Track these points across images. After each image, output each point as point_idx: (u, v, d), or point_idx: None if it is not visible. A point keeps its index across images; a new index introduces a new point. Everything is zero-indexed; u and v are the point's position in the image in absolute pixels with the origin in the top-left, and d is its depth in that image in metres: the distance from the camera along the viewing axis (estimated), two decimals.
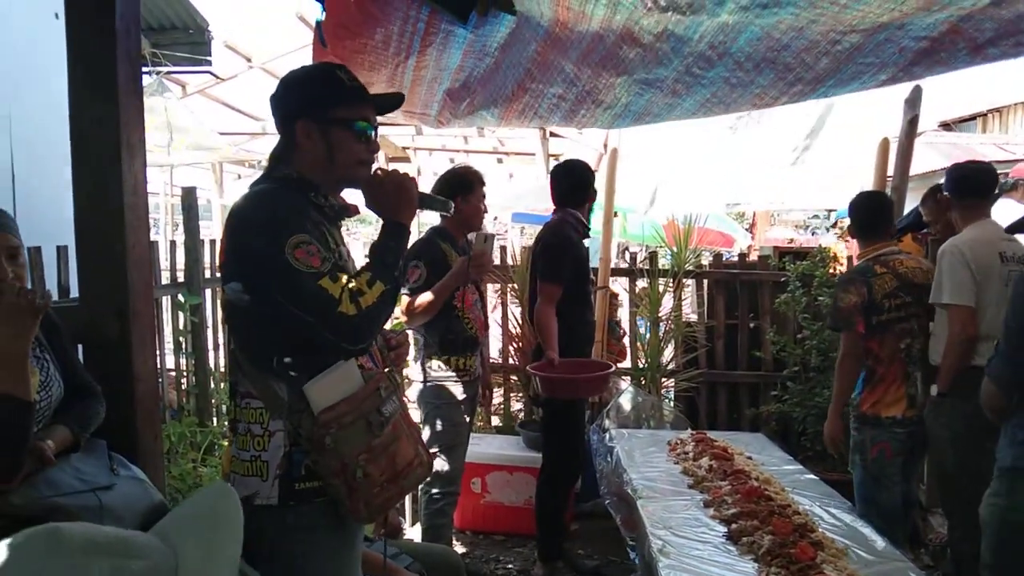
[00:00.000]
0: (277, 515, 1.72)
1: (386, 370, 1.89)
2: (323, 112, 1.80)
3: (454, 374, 3.43)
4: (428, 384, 3.44)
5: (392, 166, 5.18)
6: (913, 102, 4.50)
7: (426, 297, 3.27)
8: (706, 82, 2.91)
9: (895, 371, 3.20)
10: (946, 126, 12.74)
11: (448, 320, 3.37)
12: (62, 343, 2.04)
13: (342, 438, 1.67)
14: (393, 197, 1.84)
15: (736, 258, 6.00)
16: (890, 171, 4.73)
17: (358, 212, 1.95)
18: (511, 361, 5.45)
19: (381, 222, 1.86)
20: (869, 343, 3.23)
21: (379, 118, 1.93)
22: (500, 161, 13.38)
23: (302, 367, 1.72)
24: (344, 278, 1.69)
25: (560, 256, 3.65)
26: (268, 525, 1.72)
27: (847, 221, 3.81)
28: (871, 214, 3.39)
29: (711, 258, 5.81)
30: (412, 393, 3.54)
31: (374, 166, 1.90)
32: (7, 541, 0.85)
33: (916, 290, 3.21)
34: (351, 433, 1.68)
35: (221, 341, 4.54)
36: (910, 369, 3.22)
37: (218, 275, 4.52)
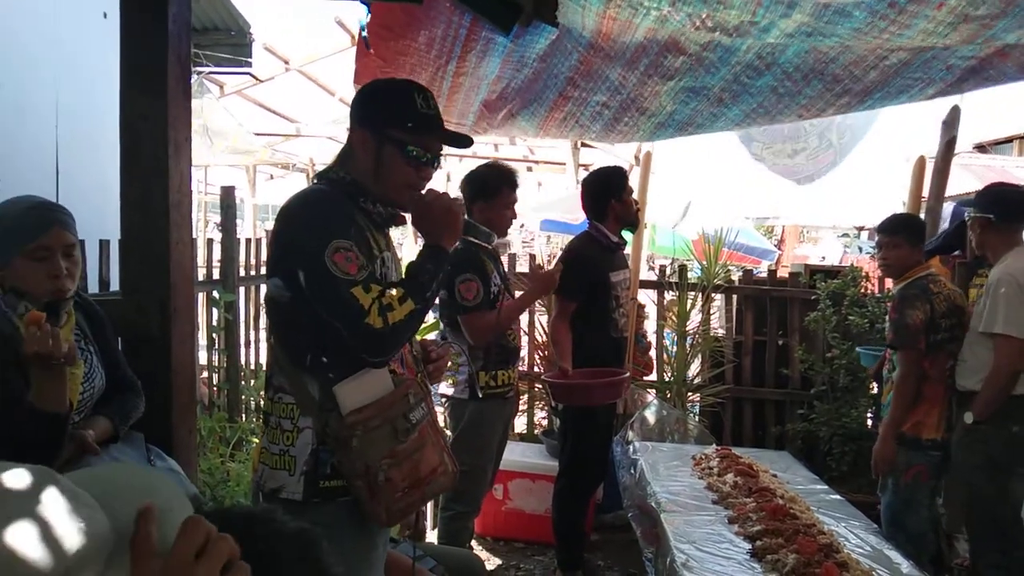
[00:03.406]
0: (300, 511, 1.73)
1: (419, 377, 1.90)
2: (381, 127, 1.81)
3: (502, 390, 3.32)
4: (474, 402, 3.23)
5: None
6: (951, 123, 4.45)
7: (513, 311, 3.18)
8: (754, 91, 2.89)
9: (939, 392, 3.17)
10: (981, 148, 12.57)
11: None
12: (107, 337, 2.09)
13: (367, 441, 1.68)
14: (439, 221, 1.84)
15: (765, 274, 5.97)
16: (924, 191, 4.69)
17: (405, 222, 1.96)
18: (536, 370, 5.47)
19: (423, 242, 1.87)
20: (923, 362, 3.18)
21: None
22: (530, 169, 13.43)
23: (335, 366, 1.74)
24: (376, 290, 1.68)
25: (571, 272, 3.60)
26: None
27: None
28: (922, 234, 3.36)
29: (740, 273, 5.78)
30: (448, 403, 3.38)
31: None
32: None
33: (959, 313, 3.20)
34: (376, 437, 1.69)
35: (253, 338, 4.61)
36: (949, 392, 3.20)
37: (252, 273, 4.63)
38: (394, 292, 1.71)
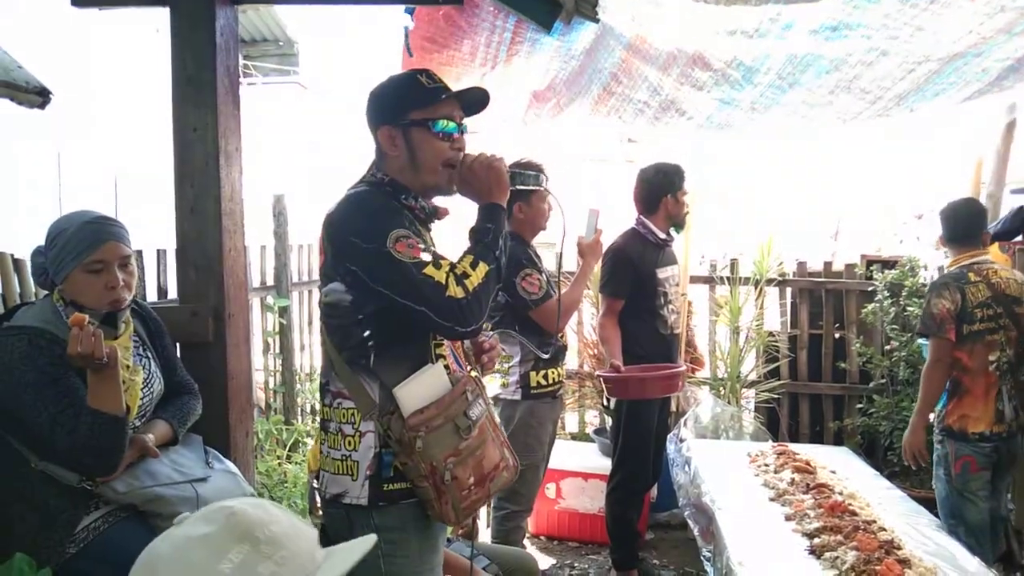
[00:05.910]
0: (366, 515, 1.75)
1: (472, 373, 1.90)
2: (402, 116, 1.82)
3: (552, 388, 3.30)
4: (526, 401, 3.22)
5: None
6: (1011, 107, 4.32)
7: (576, 294, 3.16)
8: (784, 101, 2.90)
9: (983, 384, 3.08)
10: None
11: (542, 330, 3.18)
12: (164, 343, 2.15)
13: (431, 441, 1.68)
14: (484, 179, 1.83)
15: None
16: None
17: (447, 214, 1.96)
18: (585, 367, 5.44)
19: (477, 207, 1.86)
20: (958, 353, 3.12)
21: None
22: None
23: (393, 365, 1.74)
24: (447, 264, 1.71)
25: (616, 270, 3.59)
26: (357, 524, 1.76)
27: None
28: (967, 221, 3.26)
29: (795, 265, 5.66)
30: (498, 404, 3.31)
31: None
32: (195, 514, 0.94)
33: (1008, 301, 3.10)
34: (439, 436, 1.70)
35: (307, 343, 4.69)
36: (999, 383, 3.10)
37: (304, 279, 4.71)
38: (465, 260, 1.74)
